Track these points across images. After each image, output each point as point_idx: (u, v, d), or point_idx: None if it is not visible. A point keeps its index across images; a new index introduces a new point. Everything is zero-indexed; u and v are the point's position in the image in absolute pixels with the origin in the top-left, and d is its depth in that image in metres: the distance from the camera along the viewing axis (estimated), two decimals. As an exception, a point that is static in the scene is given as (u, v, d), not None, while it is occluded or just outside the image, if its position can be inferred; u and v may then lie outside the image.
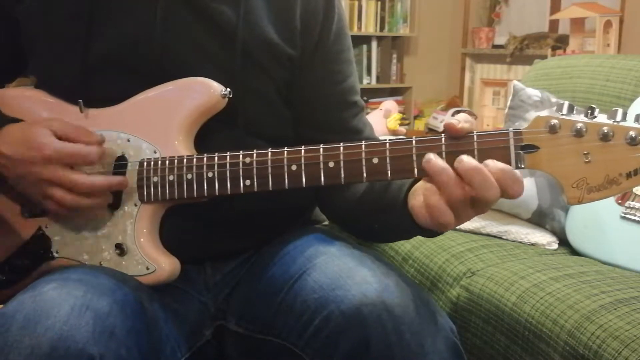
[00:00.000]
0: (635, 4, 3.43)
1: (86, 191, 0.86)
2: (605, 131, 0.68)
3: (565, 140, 0.70)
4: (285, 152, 0.82)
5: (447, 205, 0.72)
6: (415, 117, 4.73)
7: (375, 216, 0.89)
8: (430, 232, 0.83)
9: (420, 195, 0.75)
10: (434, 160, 0.72)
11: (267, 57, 0.96)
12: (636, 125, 0.68)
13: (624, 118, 0.68)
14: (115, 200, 0.91)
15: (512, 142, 0.72)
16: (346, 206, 0.97)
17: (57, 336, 0.71)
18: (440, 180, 0.72)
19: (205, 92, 0.90)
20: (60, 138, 0.87)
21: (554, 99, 1.77)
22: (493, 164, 0.70)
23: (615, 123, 0.68)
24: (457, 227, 1.61)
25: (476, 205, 0.72)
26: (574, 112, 0.71)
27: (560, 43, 3.67)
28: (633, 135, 0.67)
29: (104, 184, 0.88)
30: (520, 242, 1.59)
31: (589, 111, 0.70)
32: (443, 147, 0.74)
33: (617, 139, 0.68)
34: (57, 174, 0.85)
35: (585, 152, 0.69)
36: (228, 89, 0.90)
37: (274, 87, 0.98)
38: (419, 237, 1.55)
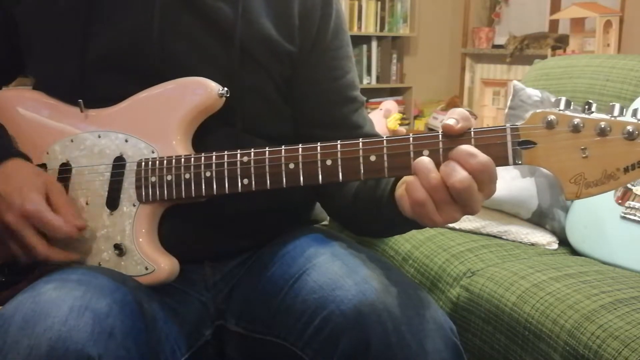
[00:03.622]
0: (635, 4, 3.43)
1: (40, 258, 0.88)
2: (603, 126, 0.68)
3: (563, 135, 0.70)
4: (283, 150, 0.82)
5: (426, 193, 0.72)
6: (415, 117, 4.73)
7: (370, 210, 0.89)
8: (421, 224, 0.82)
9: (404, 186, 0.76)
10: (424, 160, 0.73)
11: (266, 54, 0.96)
12: (633, 119, 0.68)
13: (621, 113, 0.68)
14: (113, 200, 0.91)
15: (509, 138, 0.72)
16: (344, 202, 0.97)
17: (56, 337, 0.71)
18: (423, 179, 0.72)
19: (202, 91, 0.90)
20: (49, 203, 0.87)
21: (553, 99, 1.76)
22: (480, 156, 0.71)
23: (612, 118, 0.68)
24: (458, 227, 1.63)
25: (457, 202, 0.72)
26: (571, 108, 0.71)
27: (560, 43, 3.67)
28: (630, 130, 0.67)
29: (59, 258, 0.89)
30: (520, 242, 1.59)
31: (586, 106, 0.69)
32: (440, 144, 0.74)
33: (615, 134, 0.68)
34: (24, 230, 0.86)
35: (582, 147, 0.69)
36: (225, 89, 0.90)
37: (272, 84, 0.98)
38: (419, 237, 1.58)
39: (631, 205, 1.43)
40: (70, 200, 0.92)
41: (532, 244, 1.58)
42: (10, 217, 0.86)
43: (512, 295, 1.28)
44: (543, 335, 1.18)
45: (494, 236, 1.62)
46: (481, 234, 1.62)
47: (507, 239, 1.60)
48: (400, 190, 0.77)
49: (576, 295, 1.21)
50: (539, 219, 1.62)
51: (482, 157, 0.70)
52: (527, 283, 1.29)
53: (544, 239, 1.59)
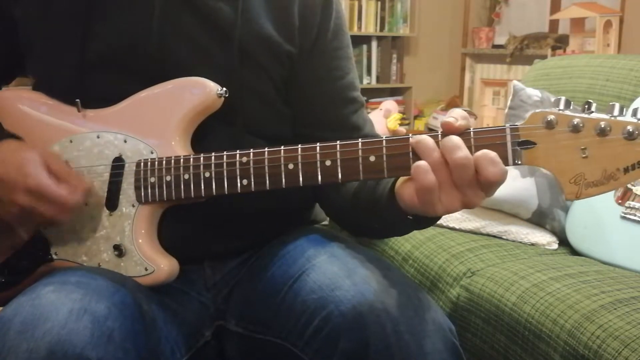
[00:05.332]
0: (635, 4, 3.43)
1: (65, 219, 0.87)
2: (603, 126, 0.68)
3: (562, 135, 0.70)
4: (282, 150, 0.82)
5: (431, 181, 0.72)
6: (415, 117, 4.73)
7: (369, 210, 0.89)
8: (420, 223, 0.82)
9: (406, 179, 0.76)
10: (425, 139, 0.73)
11: (266, 54, 0.96)
12: (633, 119, 0.67)
13: (621, 112, 0.68)
14: (113, 201, 0.91)
15: (509, 138, 0.72)
16: (343, 203, 0.97)
17: (55, 340, 0.71)
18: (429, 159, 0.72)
19: (201, 91, 0.90)
20: (50, 173, 0.86)
21: (553, 99, 1.76)
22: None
23: (612, 118, 0.68)
24: (458, 227, 1.63)
25: (457, 185, 0.72)
26: (571, 107, 0.71)
27: (560, 43, 3.67)
28: (630, 130, 0.67)
29: (78, 200, 0.87)
30: (520, 242, 1.59)
31: (586, 106, 0.69)
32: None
33: (615, 134, 0.68)
34: (39, 206, 0.85)
35: (582, 147, 0.69)
36: (224, 89, 0.90)
37: (272, 85, 0.98)
38: (419, 237, 1.57)
39: (631, 205, 1.43)
40: (69, 165, 0.91)
41: (532, 244, 1.58)
42: (20, 198, 0.84)
43: (512, 295, 1.28)
44: (543, 335, 1.18)
45: (494, 236, 1.61)
46: (481, 234, 1.62)
47: (507, 239, 1.60)
48: (400, 184, 0.77)
49: (576, 295, 1.21)
50: (539, 219, 1.62)
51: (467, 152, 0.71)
52: (527, 283, 1.29)
53: (544, 239, 1.59)
